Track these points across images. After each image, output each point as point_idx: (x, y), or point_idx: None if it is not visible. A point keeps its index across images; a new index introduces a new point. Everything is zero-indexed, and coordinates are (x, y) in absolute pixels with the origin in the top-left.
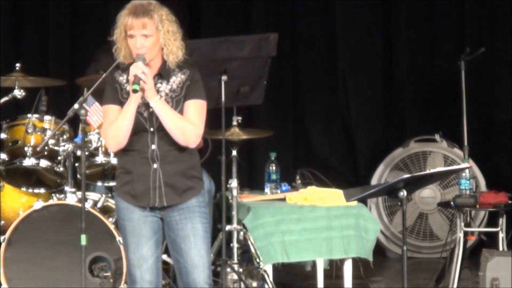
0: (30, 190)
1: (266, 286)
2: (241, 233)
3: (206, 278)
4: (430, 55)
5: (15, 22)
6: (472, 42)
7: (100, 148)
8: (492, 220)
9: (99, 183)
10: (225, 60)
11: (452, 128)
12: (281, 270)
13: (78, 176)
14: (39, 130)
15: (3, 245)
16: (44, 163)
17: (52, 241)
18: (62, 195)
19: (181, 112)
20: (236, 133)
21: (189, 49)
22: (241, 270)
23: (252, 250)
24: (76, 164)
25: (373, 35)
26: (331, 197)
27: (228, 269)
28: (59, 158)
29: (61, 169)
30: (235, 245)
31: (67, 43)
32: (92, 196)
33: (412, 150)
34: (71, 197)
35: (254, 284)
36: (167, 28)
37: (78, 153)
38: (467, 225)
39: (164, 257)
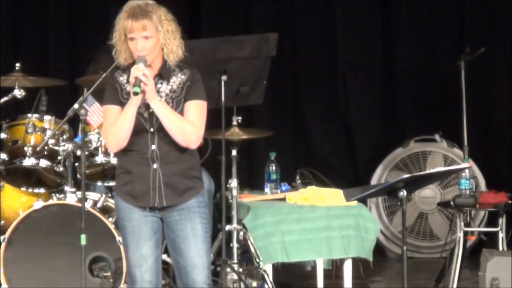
0: (30, 190)
1: (266, 286)
2: (241, 233)
3: (206, 278)
4: (430, 55)
5: (15, 22)
6: (472, 42)
7: (100, 148)
8: (492, 220)
9: (99, 183)
10: (225, 60)
11: (452, 128)
12: (281, 270)
13: (78, 176)
14: (39, 130)
15: (3, 245)
16: (44, 163)
17: (52, 241)
18: (62, 195)
19: (181, 112)
20: (236, 133)
21: (189, 49)
22: (241, 270)
23: (252, 250)
24: (76, 164)
25: (373, 35)
26: (331, 197)
27: (228, 269)
28: (59, 158)
29: (61, 169)
30: (235, 245)
31: (67, 43)
32: (92, 196)
33: (412, 150)
34: (71, 197)
35: (254, 284)
36: (167, 28)
37: (78, 153)
38: (467, 225)
39: (164, 257)
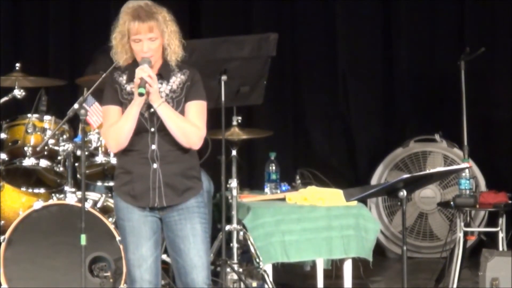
0: (30, 190)
1: (266, 286)
2: (241, 233)
3: (205, 279)
4: (430, 55)
5: (15, 22)
6: (472, 42)
7: (100, 148)
8: (492, 220)
9: (99, 183)
10: (225, 60)
11: (452, 128)
12: (281, 270)
13: (78, 176)
14: (39, 130)
15: (3, 245)
16: (44, 163)
17: (52, 241)
18: (62, 195)
19: (182, 112)
20: (236, 133)
21: (189, 49)
22: (241, 270)
23: (252, 250)
24: (76, 164)
25: (373, 35)
26: (331, 197)
27: (228, 269)
28: (59, 158)
29: (61, 169)
30: (235, 245)
31: (67, 43)
32: (92, 196)
33: (412, 150)
34: (71, 197)
35: (254, 284)
36: (170, 29)
37: (78, 153)
38: (467, 225)
39: (164, 257)
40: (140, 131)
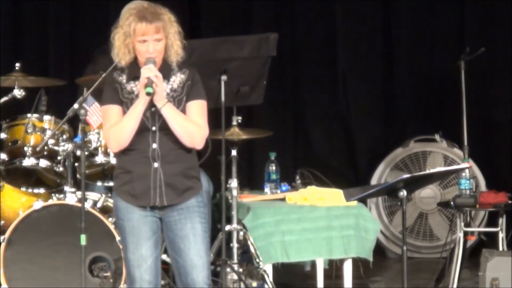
0: (30, 190)
1: (266, 286)
2: (241, 233)
3: (205, 278)
4: (430, 55)
5: (15, 22)
6: (472, 42)
7: (99, 148)
8: (492, 220)
9: (99, 183)
10: (225, 60)
11: (452, 128)
12: (281, 270)
13: (78, 176)
14: (39, 130)
15: (3, 245)
16: (43, 163)
17: (52, 241)
18: (61, 195)
19: (183, 111)
20: (236, 133)
21: (189, 49)
22: (241, 270)
23: (252, 250)
24: (76, 164)
25: (373, 35)
26: (331, 197)
27: (228, 269)
28: (58, 158)
29: (61, 169)
30: (235, 245)
31: (67, 43)
32: (92, 196)
33: (412, 150)
34: (71, 197)
35: (254, 284)
36: (174, 30)
37: (78, 153)
38: (467, 225)
39: (164, 257)
40: (141, 130)
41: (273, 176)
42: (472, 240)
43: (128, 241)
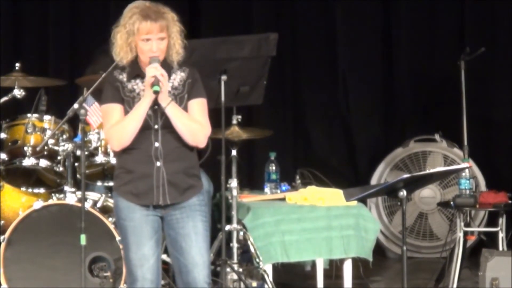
0: (30, 190)
1: (266, 286)
2: (241, 233)
3: (206, 277)
4: (430, 55)
5: (15, 22)
6: (472, 42)
7: (99, 148)
8: (492, 220)
9: (99, 183)
10: (225, 60)
11: (452, 128)
12: (281, 270)
13: (78, 176)
14: (39, 130)
15: (3, 245)
16: (43, 163)
17: (52, 241)
18: (61, 195)
19: (184, 109)
20: (236, 133)
21: (189, 49)
22: (241, 270)
23: (252, 250)
24: (76, 164)
25: (373, 35)
26: (331, 197)
27: (228, 269)
28: (58, 158)
29: (61, 169)
30: (235, 245)
31: (67, 43)
32: (91, 196)
33: (412, 150)
34: (71, 197)
35: (254, 284)
36: (176, 29)
37: (78, 153)
38: (467, 225)
39: (164, 257)
40: (143, 128)
41: (273, 176)
42: (472, 240)
43: (130, 241)
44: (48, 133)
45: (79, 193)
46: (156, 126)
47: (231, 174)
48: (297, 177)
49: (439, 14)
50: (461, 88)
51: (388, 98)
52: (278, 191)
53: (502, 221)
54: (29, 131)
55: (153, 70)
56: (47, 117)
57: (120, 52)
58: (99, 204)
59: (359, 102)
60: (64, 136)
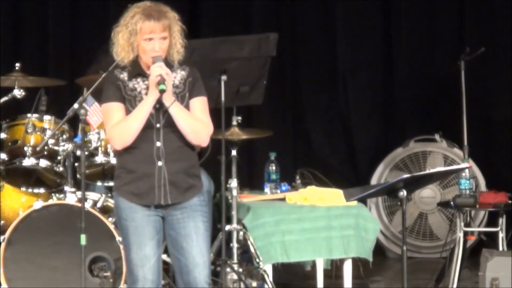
0: (30, 190)
1: (266, 286)
2: (241, 233)
3: (206, 277)
4: (430, 55)
5: (15, 22)
6: (472, 42)
7: (99, 148)
8: (492, 220)
9: (99, 183)
10: (225, 60)
11: (452, 128)
12: (281, 270)
13: (78, 176)
14: (39, 130)
15: (3, 245)
16: (43, 163)
17: (52, 241)
18: (61, 195)
19: (186, 108)
20: (236, 133)
21: (189, 49)
22: (241, 270)
23: (252, 250)
24: (76, 164)
25: (373, 35)
26: (331, 197)
27: (228, 269)
28: (58, 158)
29: (61, 169)
30: (235, 245)
31: (67, 43)
32: (91, 196)
33: (412, 150)
34: (71, 197)
35: (254, 284)
36: (177, 28)
37: (78, 153)
38: (467, 225)
39: (164, 257)
40: (144, 127)
41: (273, 176)
42: (472, 240)
43: (131, 241)
44: (48, 133)
45: (79, 193)
46: (158, 125)
47: (231, 174)
48: (297, 177)
49: (439, 14)
50: (461, 88)
51: (388, 98)
52: (278, 191)
53: (502, 221)
54: (29, 131)
55: (158, 69)
56: (47, 117)
57: (122, 51)
58: (99, 204)
59: (359, 102)
60: (64, 136)
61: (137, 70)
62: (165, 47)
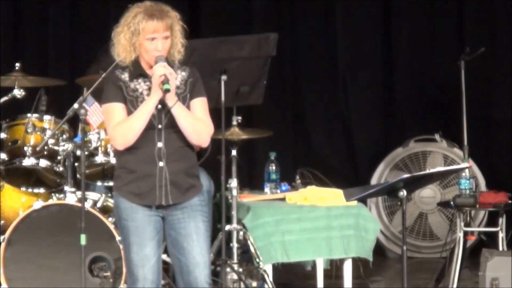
0: (30, 190)
1: (266, 286)
2: (241, 233)
3: (207, 277)
4: (430, 55)
5: (15, 22)
6: (472, 42)
7: (99, 148)
8: (492, 220)
9: (99, 183)
10: (225, 60)
11: (452, 128)
12: (281, 270)
13: (78, 175)
14: (39, 129)
15: (3, 245)
16: (43, 162)
17: (52, 241)
18: (61, 195)
19: (187, 107)
20: (236, 133)
21: (189, 49)
22: (241, 270)
23: (252, 250)
24: (76, 164)
25: (373, 35)
26: (331, 197)
27: (228, 269)
28: (58, 157)
29: (61, 168)
30: (235, 245)
31: (67, 43)
32: (91, 196)
33: (412, 150)
34: (71, 197)
35: (254, 284)
36: (179, 28)
37: (78, 152)
38: (467, 225)
39: (164, 257)
40: (146, 128)
41: (273, 176)
42: (472, 240)
43: (132, 241)
44: (48, 133)
45: (79, 193)
46: (160, 126)
47: (231, 174)
48: (297, 177)
49: (439, 14)
50: (461, 88)
51: (388, 98)
52: (278, 191)
53: (502, 221)
54: (29, 131)
55: (162, 69)
56: (47, 117)
57: (123, 52)
58: (99, 204)
59: (359, 102)
60: (64, 136)
61: (138, 70)
62: (167, 46)
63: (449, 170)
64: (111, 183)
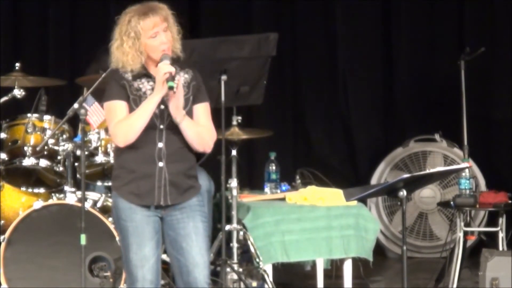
0: (30, 190)
1: (266, 286)
2: (241, 233)
3: (206, 278)
4: (430, 55)
5: (15, 22)
6: (472, 42)
7: (99, 148)
8: (492, 220)
9: (99, 183)
10: (225, 60)
11: (452, 128)
12: (281, 270)
13: (78, 175)
14: (39, 129)
15: (3, 245)
16: (43, 162)
17: (52, 241)
18: (61, 195)
19: (190, 110)
20: (236, 133)
21: (189, 49)
22: (241, 270)
23: (252, 250)
24: (76, 164)
25: (373, 35)
26: (331, 197)
27: (228, 269)
28: (58, 157)
29: (61, 168)
30: (234, 245)
31: (67, 43)
32: (91, 195)
33: (412, 149)
34: (71, 197)
35: (254, 284)
36: (172, 21)
37: (78, 152)
38: (467, 225)
39: (164, 257)
40: (147, 128)
41: (273, 176)
42: (472, 240)
43: (131, 241)
44: (48, 133)
45: (79, 193)
46: (161, 126)
47: (231, 174)
48: (297, 177)
49: (439, 14)
50: (461, 88)
51: (388, 98)
52: (278, 191)
53: (502, 221)
54: (29, 131)
55: (166, 67)
56: (47, 117)
57: (132, 60)
58: (99, 204)
59: (359, 102)
60: (64, 136)
61: (142, 71)
62: (170, 37)
63: (449, 170)
64: (111, 183)
